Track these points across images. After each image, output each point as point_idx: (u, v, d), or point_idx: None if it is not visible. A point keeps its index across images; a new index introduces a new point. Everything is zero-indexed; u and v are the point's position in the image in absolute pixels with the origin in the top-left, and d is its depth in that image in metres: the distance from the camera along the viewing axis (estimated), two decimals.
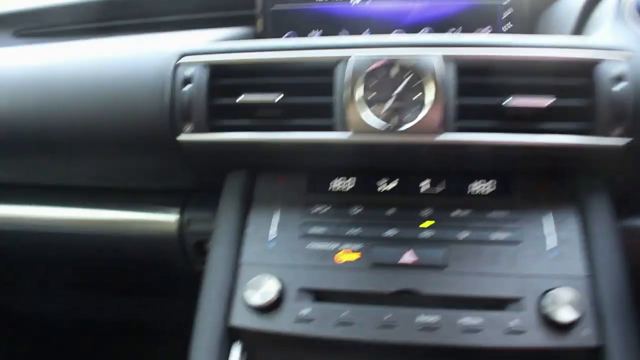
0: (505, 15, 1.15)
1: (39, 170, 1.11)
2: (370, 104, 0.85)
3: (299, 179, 0.96)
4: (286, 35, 1.21)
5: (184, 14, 1.31)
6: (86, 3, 1.36)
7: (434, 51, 0.85)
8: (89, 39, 1.30)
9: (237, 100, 0.90)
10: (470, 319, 0.79)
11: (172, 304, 1.27)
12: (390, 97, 0.85)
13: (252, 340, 0.85)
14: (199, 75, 0.91)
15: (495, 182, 0.91)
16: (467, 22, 1.16)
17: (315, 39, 0.91)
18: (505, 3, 1.14)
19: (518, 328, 0.78)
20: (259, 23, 1.22)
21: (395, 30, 1.17)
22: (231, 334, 0.84)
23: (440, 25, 1.16)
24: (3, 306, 1.69)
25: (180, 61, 0.94)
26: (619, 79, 0.83)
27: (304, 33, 1.20)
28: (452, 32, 1.15)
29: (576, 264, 0.83)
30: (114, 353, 1.78)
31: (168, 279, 1.26)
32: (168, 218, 1.06)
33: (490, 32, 1.15)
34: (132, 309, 1.64)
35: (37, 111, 1.01)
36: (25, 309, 1.71)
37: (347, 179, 0.94)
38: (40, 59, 1.10)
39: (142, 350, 1.74)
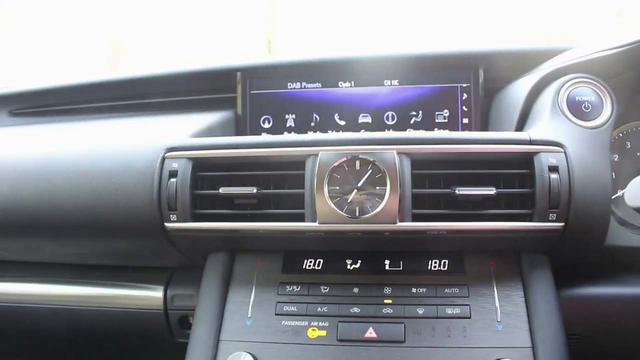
0: (462, 98, 1.28)
1: (32, 250, 1.19)
2: (336, 195, 0.96)
3: (274, 260, 1.06)
4: (263, 119, 1.32)
5: (172, 96, 1.42)
6: (78, 86, 1.46)
7: (391, 148, 0.97)
8: (81, 119, 1.41)
9: (219, 192, 1.00)
10: None
11: None
12: (354, 189, 0.96)
13: None
14: (184, 169, 1.02)
15: (449, 261, 1.02)
16: (428, 105, 1.29)
17: (287, 136, 1.02)
18: (464, 86, 1.27)
19: None
20: (239, 106, 1.33)
21: (362, 114, 1.29)
22: None
23: (402, 108, 1.29)
24: None
25: (166, 155, 1.04)
26: (553, 170, 0.95)
27: (279, 117, 1.33)
28: (413, 115, 1.28)
29: (520, 336, 0.93)
30: None
31: (155, 351, 1.33)
32: (154, 294, 1.16)
33: (448, 115, 1.27)
34: None
35: (34, 198, 1.09)
36: None
37: (318, 260, 1.05)
38: (37, 147, 1.19)
39: None
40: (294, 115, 1.32)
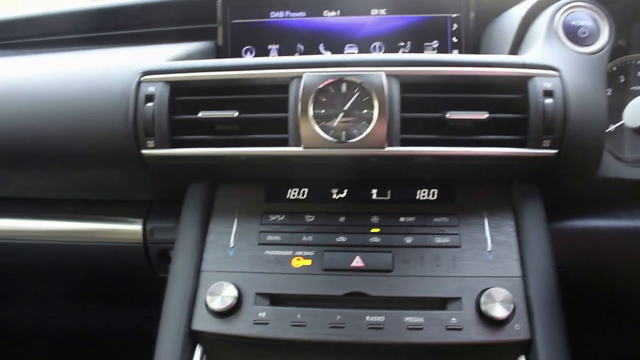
0: (453, 28, 1.22)
1: (5, 182, 1.14)
2: (321, 119, 0.91)
3: (257, 189, 1.01)
4: (245, 49, 1.26)
5: (150, 27, 1.35)
6: (48, 16, 1.39)
7: (379, 69, 0.92)
8: (56, 51, 1.34)
9: (197, 116, 0.95)
10: (413, 318, 0.86)
11: (139, 310, 1.32)
12: (340, 113, 0.91)
13: (212, 343, 0.90)
14: (161, 93, 0.96)
15: (438, 190, 0.99)
16: (417, 36, 1.23)
17: (269, 58, 0.96)
18: (454, 16, 1.22)
19: (457, 325, 0.85)
20: (220, 36, 1.27)
21: (348, 45, 1.24)
22: (193, 337, 0.90)
23: (390, 38, 1.24)
24: None
25: (142, 79, 0.98)
26: (548, 94, 0.91)
27: (262, 47, 1.26)
28: (401, 46, 1.23)
29: (510, 265, 0.91)
30: None
31: (136, 286, 1.30)
32: (133, 228, 1.11)
33: (438, 46, 1.22)
34: (102, 317, 1.67)
35: (3, 126, 1.04)
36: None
37: (302, 189, 1.00)
38: (5, 75, 1.12)
39: (113, 357, 1.77)
40: (277, 46, 1.26)
